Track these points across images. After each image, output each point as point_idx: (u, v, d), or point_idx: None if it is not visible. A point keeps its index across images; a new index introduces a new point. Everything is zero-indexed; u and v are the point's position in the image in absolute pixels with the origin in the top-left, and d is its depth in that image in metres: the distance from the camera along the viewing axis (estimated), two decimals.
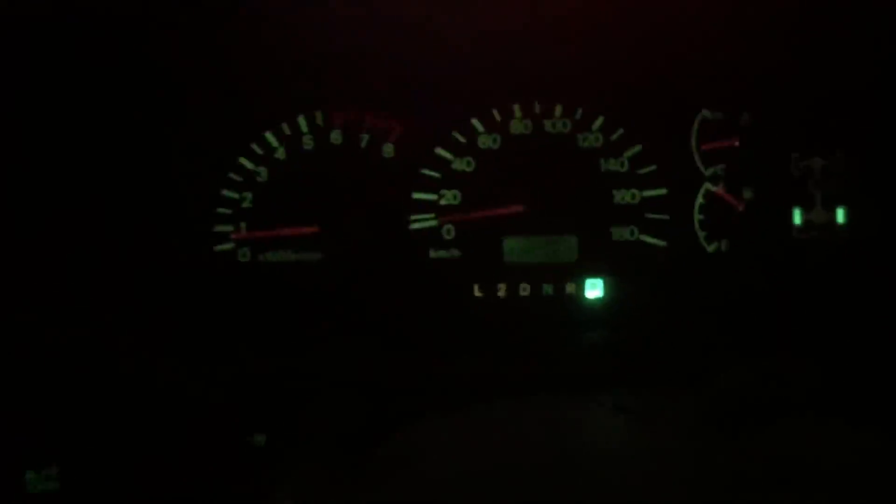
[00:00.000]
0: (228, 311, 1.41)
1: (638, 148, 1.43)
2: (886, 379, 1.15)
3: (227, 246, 1.44)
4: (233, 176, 1.44)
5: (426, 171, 1.44)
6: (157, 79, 1.38)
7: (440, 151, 1.44)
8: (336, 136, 1.45)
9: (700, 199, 1.42)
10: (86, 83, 1.33)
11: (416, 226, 1.44)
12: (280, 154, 1.45)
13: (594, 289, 1.42)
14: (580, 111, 1.44)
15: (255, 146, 1.44)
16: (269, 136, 1.45)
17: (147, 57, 1.34)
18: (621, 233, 1.42)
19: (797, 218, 1.41)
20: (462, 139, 1.44)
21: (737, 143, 1.41)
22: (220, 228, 1.44)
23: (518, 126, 1.45)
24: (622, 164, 1.43)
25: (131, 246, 1.38)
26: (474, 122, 1.45)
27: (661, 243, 1.42)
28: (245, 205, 1.44)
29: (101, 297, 1.33)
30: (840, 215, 1.40)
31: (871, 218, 1.38)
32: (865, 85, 1.37)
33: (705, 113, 1.42)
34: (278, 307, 1.41)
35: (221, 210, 1.44)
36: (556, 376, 1.22)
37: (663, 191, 1.42)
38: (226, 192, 1.44)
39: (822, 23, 1.30)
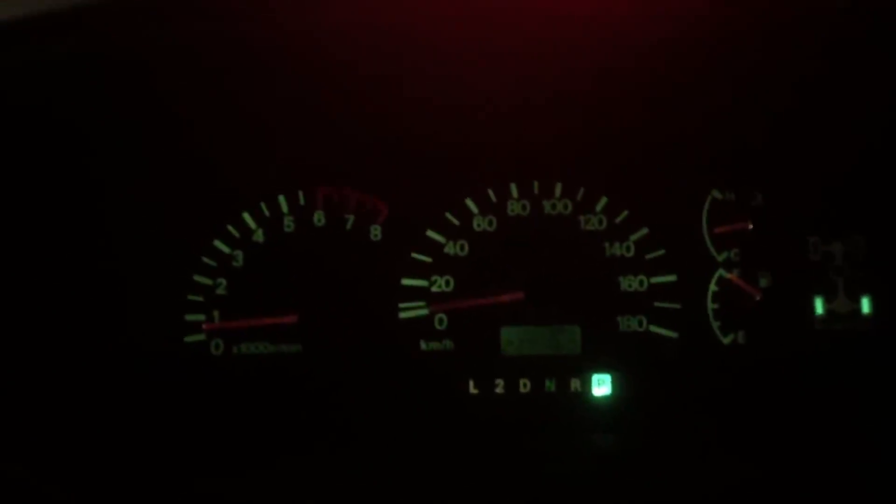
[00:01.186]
0: (198, 409, 1.29)
1: (644, 231, 1.35)
2: None
3: (199, 337, 1.33)
4: (206, 260, 1.35)
5: (416, 256, 1.35)
6: (128, 152, 1.30)
7: (432, 234, 1.36)
8: (319, 218, 1.36)
9: (713, 287, 1.33)
10: (51, 156, 1.24)
11: (405, 315, 1.34)
12: (258, 236, 1.36)
13: (601, 385, 1.31)
14: (582, 191, 1.36)
15: (231, 228, 1.36)
16: (246, 216, 1.36)
17: (118, 130, 1.26)
18: (629, 323, 1.33)
19: (819, 307, 1.32)
20: (455, 221, 1.36)
21: (750, 226, 1.34)
22: (190, 317, 1.34)
23: (515, 207, 1.37)
24: (628, 249, 1.35)
25: (94, 335, 1.28)
26: (468, 202, 1.37)
27: (673, 335, 1.32)
28: (219, 291, 1.34)
29: (62, 390, 1.22)
30: (865, 305, 1.31)
31: None
32: (884, 166, 1.31)
33: (715, 193, 1.35)
34: (253, 406, 1.30)
35: (193, 297, 1.34)
36: (561, 485, 1.10)
37: (673, 277, 1.34)
38: (198, 278, 1.34)
39: (838, 101, 1.24)
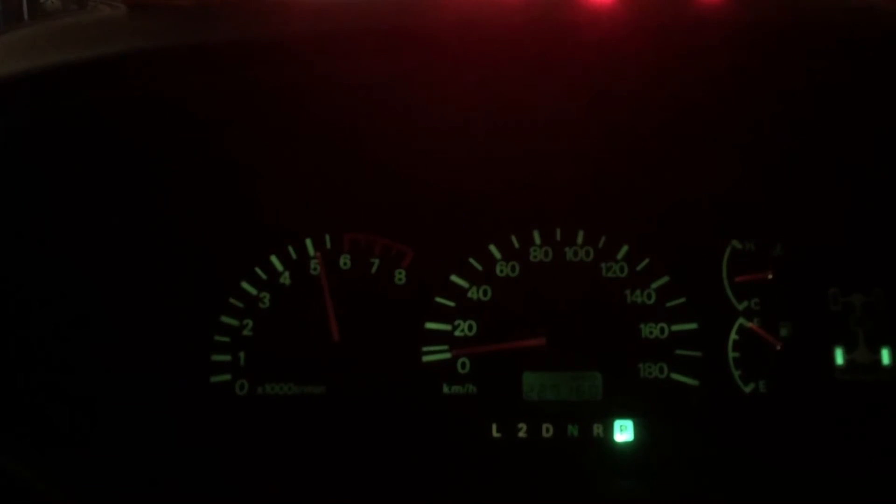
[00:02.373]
0: (222, 449, 1.29)
1: (665, 279, 1.35)
2: None
3: (224, 377, 1.34)
4: (233, 301, 1.36)
5: (440, 300, 1.36)
6: (157, 195, 1.32)
7: (455, 279, 1.37)
8: (345, 261, 1.37)
9: (734, 336, 1.33)
10: (81, 194, 1.26)
11: (428, 358, 1.34)
12: (285, 279, 1.37)
13: (624, 431, 1.30)
14: (603, 239, 1.37)
15: (258, 270, 1.37)
16: (274, 259, 1.37)
17: (149, 174, 1.29)
18: (650, 370, 1.32)
19: (839, 358, 1.31)
20: (479, 266, 1.37)
21: (770, 276, 1.34)
22: (217, 357, 1.34)
23: (538, 253, 1.38)
24: (649, 296, 1.35)
25: (120, 374, 1.28)
26: (492, 248, 1.38)
27: (694, 382, 1.32)
28: (245, 332, 1.35)
29: (87, 428, 1.23)
30: (885, 356, 1.31)
31: None
32: None
33: (735, 243, 1.36)
34: (277, 447, 1.30)
35: (219, 338, 1.35)
36: None
37: (694, 325, 1.33)
38: (225, 319, 1.35)
39: (859, 152, 1.25)
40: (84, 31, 1.03)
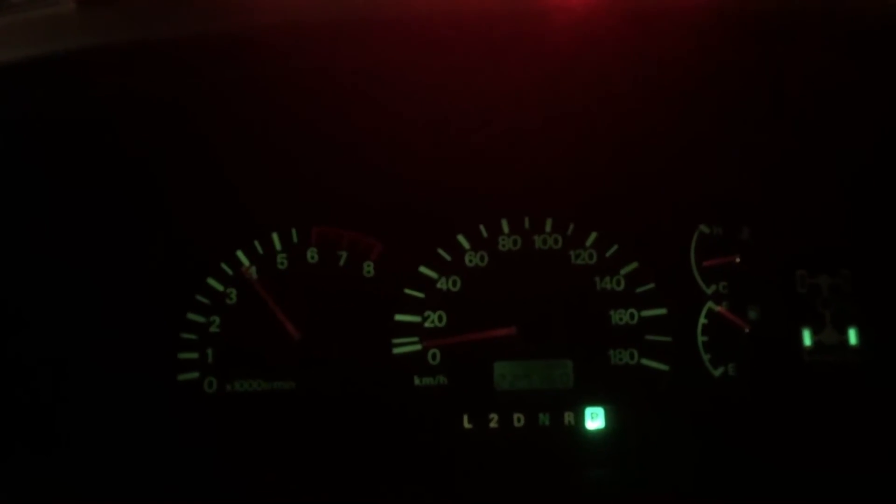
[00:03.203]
0: (192, 447, 1.28)
1: (634, 265, 1.35)
2: None
3: (192, 375, 1.32)
4: (200, 298, 1.34)
5: (409, 292, 1.35)
6: (119, 192, 1.30)
7: (424, 270, 1.36)
8: (312, 255, 1.36)
9: (703, 320, 1.34)
10: (42, 191, 1.24)
11: (398, 350, 1.33)
12: (252, 274, 1.35)
13: (595, 419, 1.30)
14: (572, 226, 1.37)
15: (224, 266, 1.36)
16: (240, 254, 1.36)
17: (111, 170, 1.26)
18: (620, 356, 1.33)
19: (807, 339, 1.32)
20: (447, 257, 1.36)
21: (738, 260, 1.35)
22: (183, 356, 1.32)
23: (506, 242, 1.37)
24: (618, 283, 1.35)
25: (87, 374, 1.27)
26: (460, 238, 1.37)
27: (664, 367, 1.32)
28: (212, 329, 1.34)
29: (55, 427, 1.23)
30: (852, 336, 1.32)
31: (886, 339, 1.30)
32: (868, 199, 1.32)
33: (703, 228, 1.36)
34: (247, 443, 1.28)
35: (186, 335, 1.33)
36: None
37: (663, 311, 1.34)
38: (191, 316, 1.34)
39: (824, 136, 1.26)
40: (33, 27, 1.00)
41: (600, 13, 0.97)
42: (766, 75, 1.12)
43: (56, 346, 1.25)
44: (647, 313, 1.34)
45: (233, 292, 1.35)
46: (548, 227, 1.37)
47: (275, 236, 1.36)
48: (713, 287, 1.34)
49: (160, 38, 0.99)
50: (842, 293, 1.33)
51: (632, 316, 1.34)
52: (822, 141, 1.27)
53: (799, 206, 1.34)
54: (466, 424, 1.31)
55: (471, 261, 1.36)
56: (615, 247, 1.36)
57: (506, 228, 1.38)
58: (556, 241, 1.37)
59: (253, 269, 1.35)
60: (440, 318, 1.34)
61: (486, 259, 1.36)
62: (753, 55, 1.06)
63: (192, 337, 1.33)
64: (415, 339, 1.33)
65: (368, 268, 1.36)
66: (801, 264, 1.34)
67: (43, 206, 1.23)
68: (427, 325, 1.34)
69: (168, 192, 1.31)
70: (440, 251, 1.36)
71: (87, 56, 1.00)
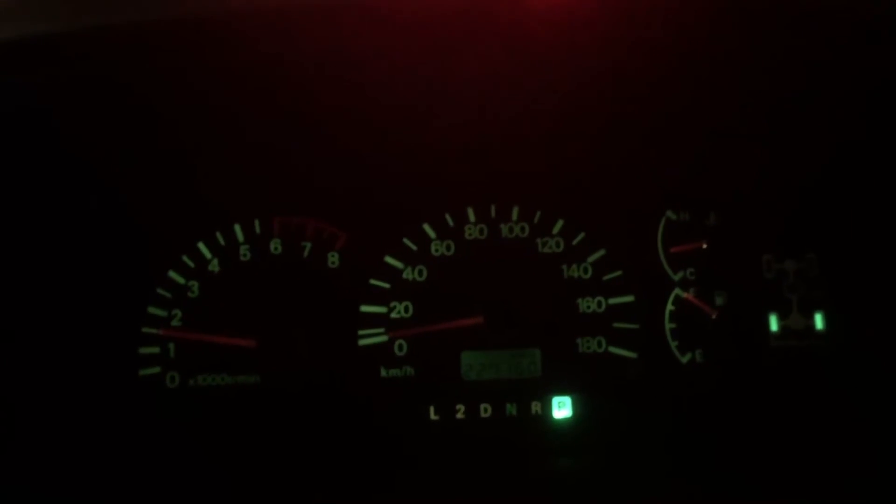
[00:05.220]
0: (154, 443, 1.25)
1: (602, 252, 1.35)
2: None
3: (154, 370, 1.30)
4: (161, 291, 1.32)
5: (375, 282, 1.34)
6: (78, 183, 1.27)
7: (390, 260, 1.34)
8: (276, 246, 1.35)
9: (670, 306, 1.33)
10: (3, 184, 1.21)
11: (364, 342, 1.32)
12: (214, 266, 1.33)
13: (562, 408, 1.30)
14: (539, 214, 1.36)
15: (186, 258, 1.33)
16: (201, 246, 1.34)
17: (69, 161, 1.24)
18: (588, 345, 1.32)
19: (774, 324, 1.33)
20: (413, 246, 1.35)
21: (705, 246, 1.34)
22: (145, 350, 1.30)
23: (473, 231, 1.36)
24: (585, 271, 1.34)
25: (47, 369, 1.24)
26: (426, 227, 1.36)
27: (632, 355, 1.32)
28: (174, 323, 1.31)
29: (15, 423, 1.20)
30: (818, 321, 1.32)
31: (851, 323, 1.30)
32: (834, 185, 1.33)
33: (670, 214, 1.36)
34: (211, 438, 1.27)
35: (147, 329, 1.31)
36: None
37: (630, 298, 1.33)
38: (152, 310, 1.31)
39: (790, 122, 1.26)
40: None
41: (569, 3, 0.96)
42: (734, 63, 1.11)
43: (14, 341, 1.22)
44: (614, 301, 1.33)
45: (195, 285, 1.32)
46: (514, 216, 1.36)
47: (237, 227, 1.34)
48: (680, 273, 1.34)
49: (121, 23, 0.96)
50: (808, 278, 1.34)
51: (599, 304, 1.33)
52: (788, 127, 1.27)
53: (765, 192, 1.34)
54: (433, 416, 1.30)
55: (437, 250, 1.35)
56: (582, 234, 1.35)
57: (472, 217, 1.36)
58: (522, 230, 1.36)
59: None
60: (406, 309, 1.33)
61: (453, 248, 1.35)
62: (722, 43, 1.05)
63: (154, 331, 1.31)
64: (381, 330, 1.32)
65: (333, 258, 1.34)
66: (767, 249, 1.34)
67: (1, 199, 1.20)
68: (393, 315, 1.33)
69: (127, 183, 1.29)
70: (406, 241, 1.35)
71: (45, 42, 0.97)
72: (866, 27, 0.98)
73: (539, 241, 1.36)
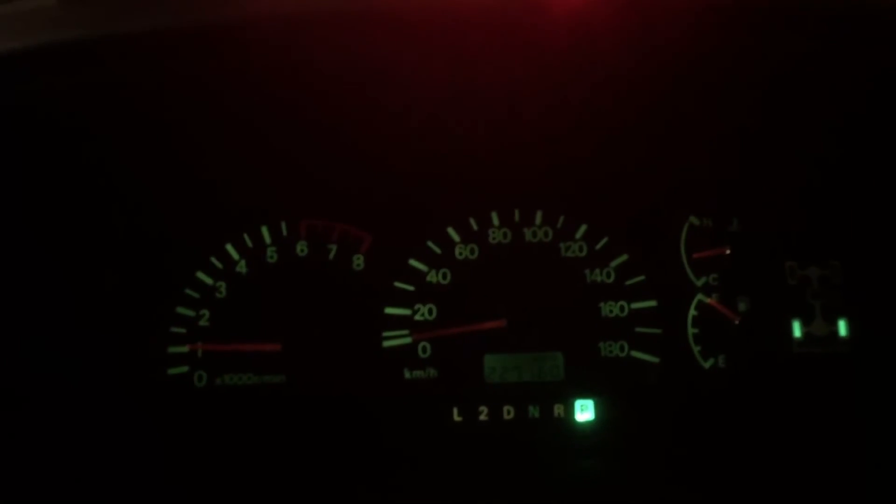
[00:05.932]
0: (182, 441, 1.27)
1: (624, 257, 1.35)
2: None
3: (182, 369, 1.32)
4: (189, 292, 1.34)
5: (399, 285, 1.35)
6: (109, 185, 1.29)
7: (414, 263, 1.35)
8: (302, 248, 1.36)
9: (693, 312, 1.33)
10: (34, 188, 1.24)
11: (388, 343, 1.33)
12: (241, 267, 1.35)
13: (585, 411, 1.30)
14: (562, 219, 1.37)
15: (213, 259, 1.35)
16: (229, 248, 1.36)
17: (101, 164, 1.26)
18: (610, 349, 1.33)
19: (797, 331, 1.32)
20: (437, 250, 1.36)
21: (728, 252, 1.34)
22: (173, 349, 1.32)
23: (496, 235, 1.37)
24: (608, 275, 1.35)
25: (76, 369, 1.26)
26: (450, 231, 1.37)
27: (654, 359, 1.32)
28: (202, 323, 1.33)
29: (45, 421, 1.21)
30: (842, 328, 1.32)
31: (875, 330, 1.30)
32: (858, 191, 1.32)
33: (693, 220, 1.36)
34: (237, 437, 1.28)
35: (175, 329, 1.33)
36: None
37: (653, 303, 1.34)
38: (181, 310, 1.33)
39: (814, 128, 1.25)
40: (16, 20, 1.00)
41: (591, 5, 0.96)
42: (757, 66, 1.11)
43: (45, 343, 1.24)
44: (637, 305, 1.34)
45: (222, 286, 1.34)
46: (538, 220, 1.37)
47: (264, 230, 1.36)
48: (703, 279, 1.34)
49: (148, 31, 0.98)
50: (831, 284, 1.33)
51: (622, 308, 1.34)
52: (813, 132, 1.26)
53: (789, 198, 1.34)
54: (456, 417, 1.31)
55: (461, 254, 1.36)
56: (605, 239, 1.36)
57: (496, 221, 1.37)
58: (545, 234, 1.37)
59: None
60: (430, 311, 1.34)
61: (476, 252, 1.36)
62: (744, 46, 1.05)
63: (182, 331, 1.32)
64: (405, 332, 1.33)
65: (358, 261, 1.35)
66: (790, 256, 1.34)
67: (30, 204, 1.22)
68: (417, 318, 1.34)
69: (156, 186, 1.31)
70: (430, 244, 1.36)
71: (74, 49, 0.99)
72: (891, 31, 0.98)
73: (562, 245, 1.36)
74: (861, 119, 1.21)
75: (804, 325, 1.32)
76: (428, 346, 1.33)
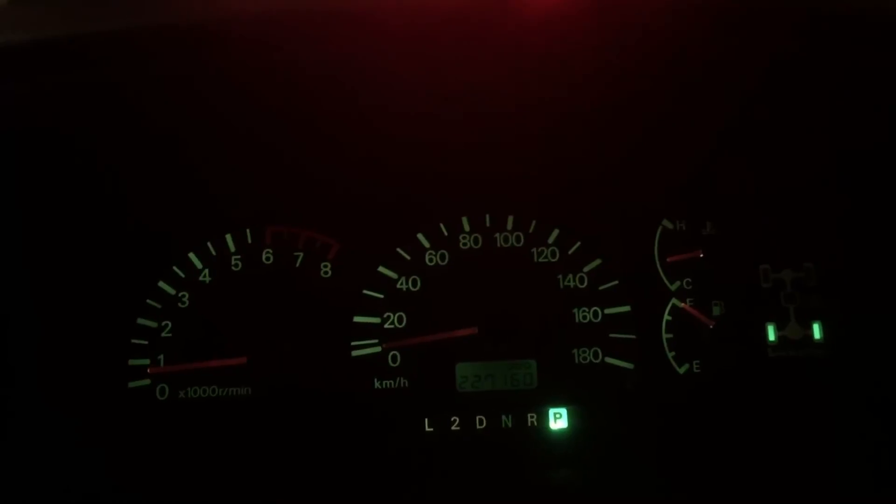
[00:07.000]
0: (144, 456, 1.23)
1: (597, 262, 1.33)
2: None
3: (143, 382, 1.28)
4: (150, 302, 1.30)
5: (368, 292, 1.32)
6: (68, 192, 1.25)
7: (383, 270, 1.33)
8: (267, 256, 1.33)
9: (667, 316, 1.32)
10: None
11: (357, 353, 1.30)
12: (204, 276, 1.32)
13: (558, 419, 1.28)
14: (534, 223, 1.35)
15: (176, 268, 1.32)
16: (192, 256, 1.32)
17: (61, 170, 1.22)
18: (584, 355, 1.30)
19: (771, 334, 1.31)
20: (407, 256, 1.34)
21: (701, 255, 1.33)
22: (134, 362, 1.28)
23: (467, 241, 1.35)
24: (581, 280, 1.33)
25: (35, 382, 1.23)
26: (420, 237, 1.34)
27: (629, 365, 1.30)
28: (164, 334, 1.30)
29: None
30: (816, 331, 1.31)
31: (849, 332, 1.29)
32: (831, 194, 1.32)
33: (666, 223, 1.35)
34: (202, 452, 1.25)
35: (137, 341, 1.29)
36: None
37: (627, 308, 1.32)
38: (142, 321, 1.30)
39: (788, 132, 1.25)
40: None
41: (565, 10, 0.95)
42: (731, 71, 1.11)
43: (1, 352, 1.20)
44: (610, 311, 1.32)
45: (185, 295, 1.31)
46: (509, 225, 1.35)
47: (228, 237, 1.33)
48: (677, 283, 1.33)
49: (115, 30, 0.96)
50: (805, 287, 1.32)
51: (595, 314, 1.32)
52: (786, 135, 1.26)
53: (762, 201, 1.33)
54: (427, 428, 1.28)
55: (431, 260, 1.34)
56: (578, 244, 1.34)
57: (466, 226, 1.35)
58: (517, 239, 1.35)
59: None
60: (400, 319, 1.31)
61: (447, 258, 1.34)
62: (716, 49, 1.05)
63: (143, 342, 1.29)
64: (374, 340, 1.30)
65: (326, 268, 1.33)
66: (764, 259, 1.33)
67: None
68: (387, 326, 1.31)
69: (118, 193, 1.28)
70: (399, 250, 1.34)
71: (33, 49, 0.95)
72: (868, 32, 0.97)
73: (534, 250, 1.34)
74: (835, 122, 1.20)
75: (779, 328, 1.31)
76: (398, 354, 1.30)
